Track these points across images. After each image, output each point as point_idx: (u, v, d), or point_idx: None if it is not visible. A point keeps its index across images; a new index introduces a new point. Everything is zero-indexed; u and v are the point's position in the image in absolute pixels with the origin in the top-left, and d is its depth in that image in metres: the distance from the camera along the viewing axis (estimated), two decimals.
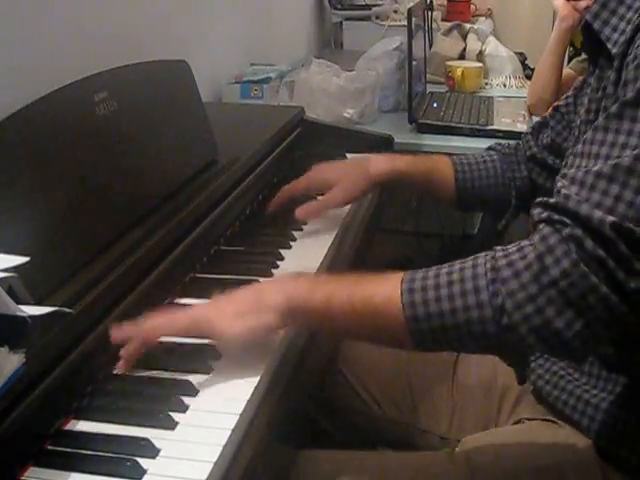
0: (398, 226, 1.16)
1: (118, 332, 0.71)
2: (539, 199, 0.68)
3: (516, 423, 0.91)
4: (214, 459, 0.61)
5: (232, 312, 0.72)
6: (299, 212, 1.02)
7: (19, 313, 0.62)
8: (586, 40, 0.82)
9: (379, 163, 1.07)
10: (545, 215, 0.66)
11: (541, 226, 0.66)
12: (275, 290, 0.73)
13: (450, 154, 1.70)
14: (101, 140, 0.84)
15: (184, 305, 0.81)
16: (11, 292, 0.64)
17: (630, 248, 0.62)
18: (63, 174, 0.77)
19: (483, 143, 1.61)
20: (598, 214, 0.62)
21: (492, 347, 0.70)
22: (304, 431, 0.98)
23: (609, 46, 0.76)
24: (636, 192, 0.63)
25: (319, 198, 1.07)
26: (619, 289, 0.62)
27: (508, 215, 1.07)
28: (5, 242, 0.66)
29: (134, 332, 0.72)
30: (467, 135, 1.63)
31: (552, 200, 0.66)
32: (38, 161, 0.74)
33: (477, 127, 1.63)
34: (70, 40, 1.07)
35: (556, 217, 0.64)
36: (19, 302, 0.63)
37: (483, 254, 0.68)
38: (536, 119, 1.76)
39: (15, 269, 0.62)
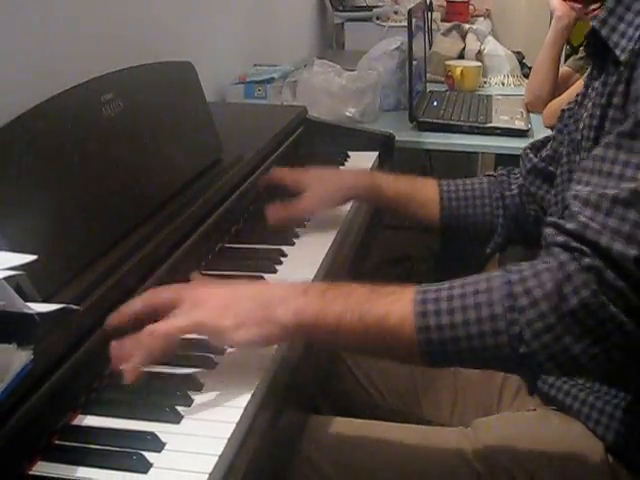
0: (399, 221, 1.17)
1: (118, 350, 0.68)
2: (552, 219, 0.68)
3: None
4: (219, 452, 0.62)
5: (236, 321, 0.69)
6: (268, 211, 1.01)
7: (27, 310, 0.62)
8: (592, 46, 0.81)
9: (357, 177, 1.07)
10: (561, 240, 0.65)
11: (556, 250, 0.65)
12: (284, 304, 0.69)
13: (450, 151, 1.72)
14: (108, 140, 0.84)
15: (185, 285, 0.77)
16: (19, 290, 0.65)
17: None
18: (70, 174, 0.77)
19: (482, 140, 1.63)
20: (618, 247, 0.62)
21: (507, 370, 0.73)
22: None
23: (617, 52, 0.75)
24: None
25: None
26: (636, 316, 0.62)
27: (496, 237, 1.04)
28: (13, 240, 0.67)
29: (135, 348, 0.68)
30: (467, 133, 1.64)
31: (569, 225, 0.65)
32: (45, 161, 0.75)
33: (476, 125, 1.64)
34: (76, 42, 1.08)
35: (574, 245, 0.64)
36: (27, 300, 0.64)
37: (497, 275, 0.66)
38: (533, 116, 1.76)
39: (23, 267, 0.63)
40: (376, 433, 0.88)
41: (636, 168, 0.64)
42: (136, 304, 0.71)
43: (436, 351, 0.66)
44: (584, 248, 0.63)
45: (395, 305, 0.67)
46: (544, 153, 1.01)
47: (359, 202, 1.13)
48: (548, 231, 0.67)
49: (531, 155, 1.03)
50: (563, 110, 0.99)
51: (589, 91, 0.84)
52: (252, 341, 0.69)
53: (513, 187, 1.04)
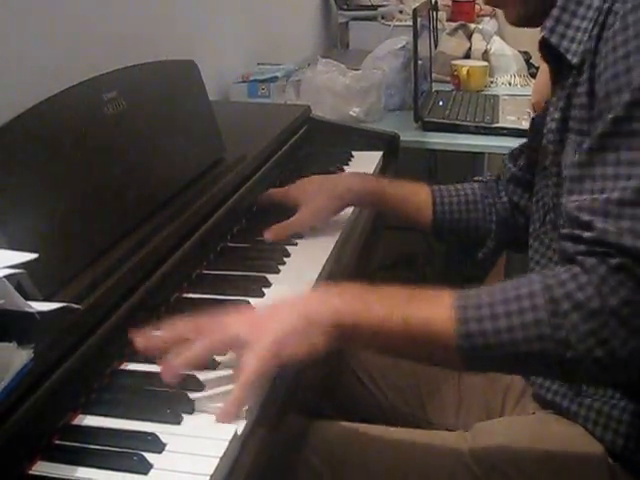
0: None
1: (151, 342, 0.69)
2: (567, 231, 0.68)
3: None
4: (220, 454, 0.61)
5: (274, 338, 0.67)
6: (267, 234, 1.00)
7: (27, 309, 0.62)
8: (545, 54, 0.84)
9: (351, 183, 1.07)
10: (583, 248, 0.65)
11: (581, 258, 0.65)
12: (322, 308, 0.69)
13: (455, 152, 1.71)
14: (110, 139, 0.84)
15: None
16: (20, 288, 0.64)
17: None
18: (72, 172, 0.77)
19: (488, 141, 1.62)
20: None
21: (551, 376, 0.75)
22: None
23: (569, 57, 0.77)
24: None
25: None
26: None
27: (489, 242, 1.05)
28: (14, 238, 0.67)
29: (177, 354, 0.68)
30: (472, 133, 1.63)
31: (587, 235, 0.66)
32: (47, 159, 0.75)
33: (482, 125, 1.64)
34: (79, 40, 1.08)
35: (599, 249, 0.64)
36: (27, 298, 0.64)
37: (536, 280, 0.66)
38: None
39: (24, 265, 0.63)
40: (376, 437, 0.87)
41: (628, 165, 0.65)
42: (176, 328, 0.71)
43: (478, 357, 0.66)
44: (610, 250, 0.64)
45: (436, 309, 0.68)
46: (521, 162, 1.02)
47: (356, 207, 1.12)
48: (566, 245, 0.68)
49: (509, 165, 1.04)
50: (533, 118, 1.01)
51: (552, 98, 0.86)
52: (295, 357, 0.68)
53: (502, 194, 1.05)
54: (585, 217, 0.66)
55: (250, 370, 0.66)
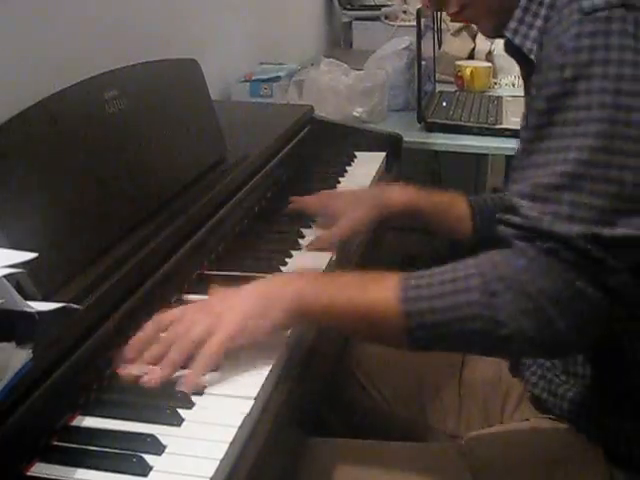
0: (406, 224, 1.17)
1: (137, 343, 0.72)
2: (499, 215, 0.71)
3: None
4: (220, 456, 0.61)
5: (243, 312, 0.72)
6: (309, 247, 0.99)
7: (27, 309, 0.62)
8: (511, 53, 0.86)
9: (393, 195, 1.05)
10: (513, 232, 0.68)
11: (514, 241, 0.68)
12: (285, 290, 0.74)
13: (459, 153, 1.70)
14: (110, 138, 0.84)
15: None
16: (19, 288, 0.64)
17: (602, 249, 0.64)
18: (72, 171, 0.77)
19: (492, 142, 1.61)
20: (562, 228, 0.65)
21: (489, 353, 0.79)
22: (312, 429, 0.98)
23: (532, 57, 0.79)
24: (592, 194, 0.65)
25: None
26: (602, 287, 0.65)
27: None
28: (13, 238, 0.66)
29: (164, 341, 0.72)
30: (476, 134, 1.62)
31: (515, 219, 0.68)
32: (47, 158, 0.74)
33: (486, 126, 1.63)
34: (80, 38, 1.08)
35: (528, 234, 0.67)
36: (27, 298, 0.63)
37: (471, 262, 0.69)
38: None
39: (23, 265, 0.62)
40: (370, 453, 0.87)
41: (556, 152, 0.67)
42: (147, 329, 0.74)
43: (420, 337, 0.69)
44: (535, 235, 0.66)
45: (381, 291, 0.71)
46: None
47: (394, 222, 1.11)
48: (500, 228, 0.71)
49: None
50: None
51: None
52: (259, 332, 0.72)
53: None
54: (515, 201, 0.69)
55: (214, 342, 0.70)
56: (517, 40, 0.80)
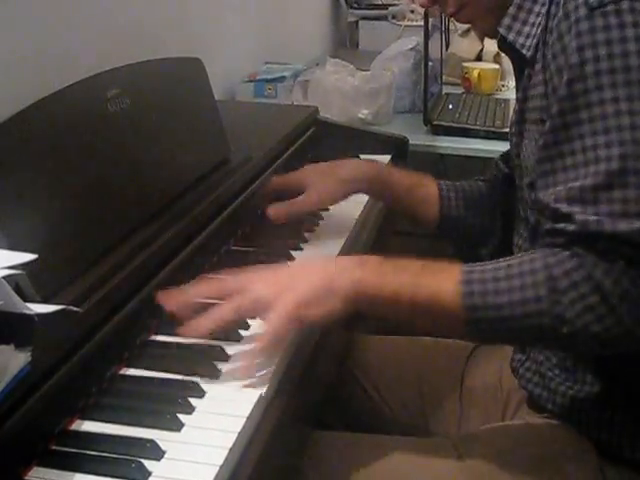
0: (411, 228, 1.15)
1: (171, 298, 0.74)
2: (550, 226, 0.71)
3: None
4: (220, 462, 0.60)
5: (296, 299, 0.71)
6: (269, 211, 0.99)
7: (26, 311, 0.61)
8: (503, 49, 0.87)
9: (358, 167, 1.05)
10: (569, 239, 0.68)
11: (570, 249, 0.68)
12: (343, 275, 0.73)
13: (465, 157, 1.69)
14: (112, 137, 0.83)
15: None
16: (18, 290, 0.64)
17: None
18: (73, 171, 0.76)
19: (498, 146, 1.59)
20: (622, 226, 0.65)
21: (548, 347, 0.80)
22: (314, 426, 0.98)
23: (524, 52, 0.81)
24: (638, 187, 0.66)
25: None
26: None
27: (493, 240, 1.04)
28: (13, 239, 0.66)
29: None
30: (483, 137, 1.61)
31: (570, 227, 0.68)
32: (47, 157, 0.74)
33: (493, 129, 1.62)
34: (83, 37, 1.07)
35: (585, 239, 0.67)
36: (26, 300, 0.63)
37: (538, 257, 0.69)
38: None
39: (22, 266, 0.62)
40: (367, 447, 0.87)
41: (592, 149, 0.68)
42: (201, 289, 0.76)
43: (482, 329, 0.70)
44: (595, 239, 0.66)
45: (444, 284, 0.71)
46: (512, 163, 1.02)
47: (365, 195, 1.10)
48: (552, 240, 0.70)
49: (501, 165, 1.05)
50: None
51: (516, 93, 0.88)
52: (318, 318, 0.72)
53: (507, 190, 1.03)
54: (564, 209, 0.69)
55: (270, 331, 0.70)
56: (510, 36, 0.82)
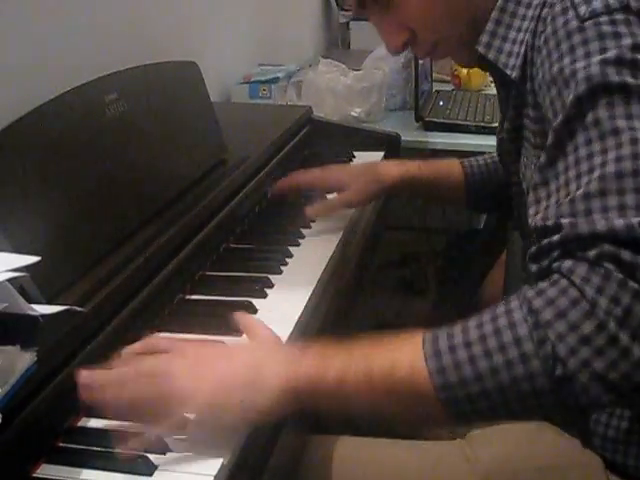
0: (404, 222, 1.17)
1: (87, 378, 0.62)
2: (535, 248, 0.61)
3: None
4: (224, 455, 0.61)
5: (215, 390, 0.61)
6: (309, 210, 1.04)
7: (30, 312, 0.62)
8: (483, 68, 0.84)
9: (390, 168, 1.08)
10: (555, 254, 0.59)
11: (556, 265, 0.58)
12: (276, 369, 0.61)
13: (457, 151, 1.70)
14: (111, 141, 0.84)
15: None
16: (23, 291, 0.65)
17: None
18: (73, 174, 0.77)
19: (489, 140, 1.61)
20: (619, 222, 0.56)
21: (545, 407, 0.58)
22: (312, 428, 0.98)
23: (508, 72, 0.76)
24: (636, 192, 0.57)
25: (328, 197, 1.08)
26: None
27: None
28: (16, 241, 0.67)
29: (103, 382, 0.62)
30: (473, 132, 1.63)
31: (556, 236, 0.59)
32: (48, 162, 0.75)
33: (483, 124, 1.63)
34: (79, 41, 1.08)
35: (573, 247, 0.57)
36: (30, 301, 0.64)
37: (514, 297, 0.58)
38: None
39: (26, 268, 0.63)
40: (371, 451, 0.86)
41: (586, 160, 0.60)
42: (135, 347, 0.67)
43: (458, 398, 0.57)
44: (584, 243, 0.57)
45: (402, 353, 0.59)
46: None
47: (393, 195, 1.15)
48: (537, 264, 0.61)
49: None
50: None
51: (500, 107, 0.87)
52: (233, 421, 0.62)
53: None
54: (551, 222, 0.60)
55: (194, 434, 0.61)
56: (491, 55, 0.77)
